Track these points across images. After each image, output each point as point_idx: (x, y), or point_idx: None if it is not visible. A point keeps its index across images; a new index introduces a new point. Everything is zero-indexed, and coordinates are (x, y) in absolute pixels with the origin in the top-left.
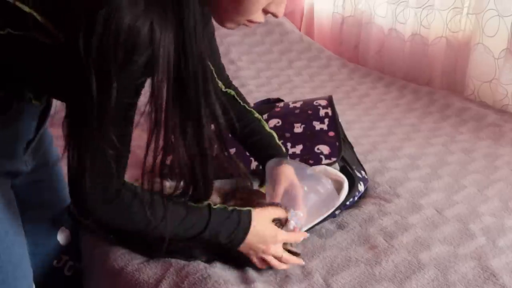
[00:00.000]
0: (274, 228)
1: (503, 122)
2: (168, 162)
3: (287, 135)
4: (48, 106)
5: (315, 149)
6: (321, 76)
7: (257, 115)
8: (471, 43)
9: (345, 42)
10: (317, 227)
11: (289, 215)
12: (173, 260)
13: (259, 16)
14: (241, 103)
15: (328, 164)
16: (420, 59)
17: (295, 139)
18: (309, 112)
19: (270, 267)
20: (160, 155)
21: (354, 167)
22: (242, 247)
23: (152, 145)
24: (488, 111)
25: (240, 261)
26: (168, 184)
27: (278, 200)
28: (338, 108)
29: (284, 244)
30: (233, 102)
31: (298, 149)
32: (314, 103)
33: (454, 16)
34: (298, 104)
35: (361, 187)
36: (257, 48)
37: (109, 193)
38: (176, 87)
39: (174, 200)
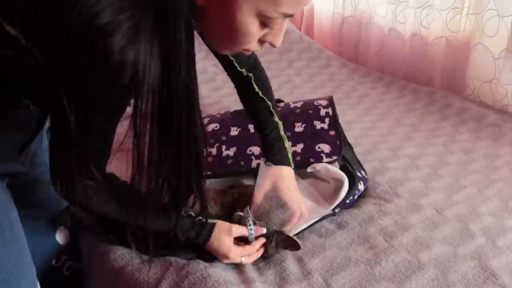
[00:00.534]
0: (228, 247)
1: (503, 122)
2: None
3: (288, 134)
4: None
5: (316, 147)
6: (321, 76)
7: (268, 103)
8: (471, 43)
9: (345, 42)
10: (317, 226)
11: (248, 228)
12: (173, 260)
13: (255, 46)
14: (256, 89)
15: (329, 163)
16: (420, 59)
17: (296, 138)
18: (310, 111)
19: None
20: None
21: (354, 167)
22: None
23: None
24: (488, 111)
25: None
26: None
27: (255, 207)
28: (338, 108)
29: (283, 233)
30: (247, 86)
31: (299, 147)
32: (315, 103)
33: (454, 16)
34: (298, 104)
35: (361, 186)
36: None
37: (91, 178)
38: (160, 118)
39: None
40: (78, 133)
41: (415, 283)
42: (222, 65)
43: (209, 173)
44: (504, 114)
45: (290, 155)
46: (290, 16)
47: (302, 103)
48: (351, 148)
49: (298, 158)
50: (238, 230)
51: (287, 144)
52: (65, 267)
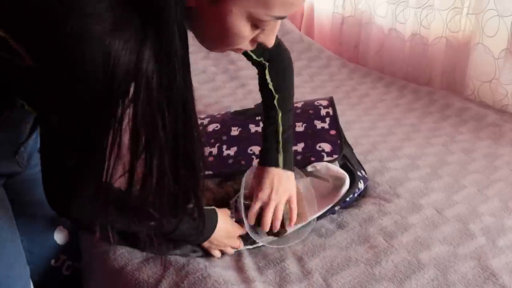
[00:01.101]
0: (233, 224)
1: (503, 122)
2: None
3: None
4: None
5: (317, 146)
6: (321, 76)
7: (274, 95)
8: (471, 43)
9: (345, 42)
10: (317, 226)
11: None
12: (173, 260)
13: (247, 46)
14: (268, 80)
15: (329, 161)
16: (420, 59)
17: (297, 138)
18: (310, 111)
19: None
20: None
21: (355, 166)
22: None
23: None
24: (488, 111)
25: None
26: None
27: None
28: (338, 108)
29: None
30: (261, 74)
31: (299, 147)
32: (315, 103)
33: (454, 16)
34: (299, 104)
35: (361, 185)
36: None
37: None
38: (155, 125)
39: None
40: (62, 136)
41: (415, 283)
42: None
43: (210, 172)
44: (504, 114)
45: (279, 156)
46: (282, 18)
47: (302, 103)
48: (351, 149)
49: (299, 157)
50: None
51: (281, 144)
52: (64, 267)
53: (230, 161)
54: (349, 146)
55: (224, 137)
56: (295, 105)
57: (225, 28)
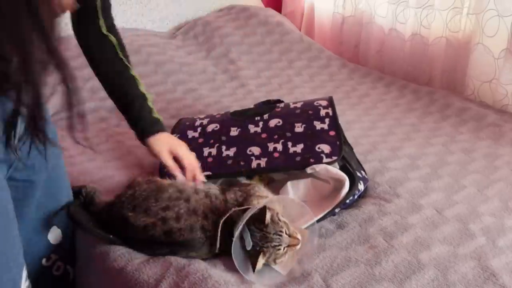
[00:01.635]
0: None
1: (503, 122)
2: None
3: (288, 134)
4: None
5: (316, 148)
6: (321, 76)
7: (133, 73)
8: (471, 43)
9: (346, 42)
10: (316, 226)
11: None
12: (173, 260)
13: None
14: (120, 55)
15: (328, 163)
16: (420, 59)
17: (296, 139)
18: (310, 112)
19: None
20: None
21: (354, 167)
22: None
23: None
24: (488, 111)
25: None
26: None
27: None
28: (338, 108)
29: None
30: (112, 54)
31: (299, 148)
32: (315, 103)
33: (454, 16)
34: (298, 105)
35: (360, 186)
36: (257, 48)
37: None
38: None
39: None
40: None
41: (415, 283)
42: (78, 23)
43: (209, 173)
44: (504, 114)
45: (157, 115)
46: None
47: (302, 103)
48: (351, 149)
49: (298, 158)
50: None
51: (157, 114)
52: (54, 267)
53: (229, 161)
54: (349, 145)
55: (223, 138)
56: (294, 105)
57: None
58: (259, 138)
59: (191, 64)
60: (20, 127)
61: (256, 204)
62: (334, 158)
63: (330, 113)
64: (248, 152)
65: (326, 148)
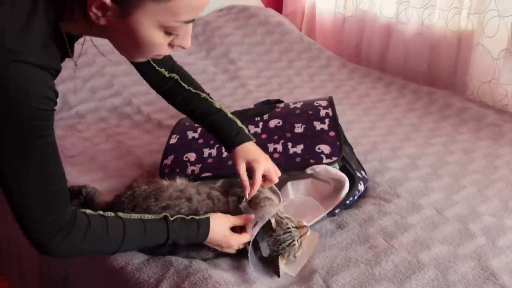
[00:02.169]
0: (228, 236)
1: (503, 122)
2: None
3: (288, 135)
4: None
5: (316, 148)
6: (321, 76)
7: (203, 95)
8: (471, 43)
9: (346, 42)
10: (316, 226)
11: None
12: (173, 260)
13: (166, 50)
14: (186, 86)
15: (328, 163)
16: (421, 59)
17: (296, 139)
18: (310, 112)
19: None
20: None
21: (354, 167)
22: None
23: None
24: (488, 111)
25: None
26: (179, 181)
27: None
28: (338, 108)
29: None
30: (176, 87)
31: (299, 148)
32: (315, 103)
33: (454, 16)
34: (298, 105)
35: (361, 187)
36: (257, 48)
37: (59, 228)
38: None
39: (129, 217)
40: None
41: (415, 283)
42: (142, 74)
43: (209, 174)
44: (504, 114)
45: (247, 131)
46: (191, 21)
47: (302, 103)
48: (351, 149)
49: (298, 159)
50: (234, 220)
51: (240, 123)
52: None
53: (230, 162)
54: (349, 145)
55: None
56: (294, 105)
57: (139, 40)
58: (259, 138)
59: (191, 64)
60: None
61: (262, 206)
62: (334, 158)
63: (330, 114)
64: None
65: (326, 148)
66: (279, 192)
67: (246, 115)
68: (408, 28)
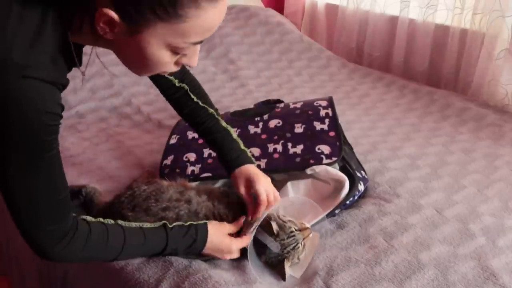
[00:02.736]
0: (228, 241)
1: (503, 122)
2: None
3: (288, 135)
4: None
5: (316, 149)
6: (321, 76)
7: (211, 111)
8: (473, 43)
9: (347, 41)
10: (316, 227)
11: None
12: (173, 260)
13: (171, 68)
14: (194, 99)
15: (328, 164)
16: (422, 59)
17: (296, 139)
18: (310, 112)
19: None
20: None
21: (354, 167)
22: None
23: None
24: (488, 111)
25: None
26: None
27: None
28: (338, 108)
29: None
30: (185, 98)
31: (299, 149)
32: (315, 103)
33: (455, 15)
34: (298, 105)
35: (361, 187)
36: (257, 48)
37: (61, 235)
38: None
39: (129, 225)
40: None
41: (415, 284)
42: (153, 81)
43: (208, 174)
44: (504, 114)
45: (249, 155)
46: (200, 43)
47: (301, 103)
48: (351, 148)
49: (298, 159)
50: (230, 227)
51: (243, 146)
52: None
53: None
54: (349, 145)
55: None
56: (294, 105)
57: (146, 58)
58: (259, 138)
59: None
60: None
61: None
62: (334, 159)
63: (330, 114)
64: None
65: (326, 149)
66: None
67: (246, 115)
68: (409, 28)
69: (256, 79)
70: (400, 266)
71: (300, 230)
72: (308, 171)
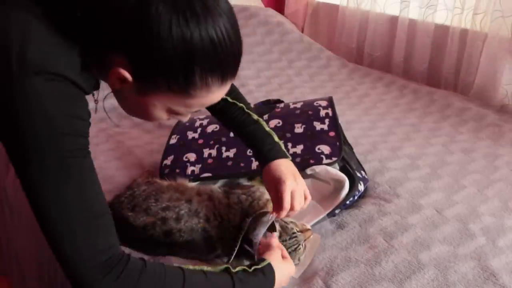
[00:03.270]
0: (287, 267)
1: (503, 122)
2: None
3: (288, 135)
4: None
5: (316, 149)
6: (321, 76)
7: (240, 105)
8: (473, 43)
9: (347, 41)
10: (316, 226)
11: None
12: (174, 260)
13: (163, 118)
14: (245, 108)
15: (328, 164)
16: (422, 59)
17: (296, 139)
18: (310, 112)
19: None
20: None
21: (354, 167)
22: None
23: None
24: (488, 111)
25: None
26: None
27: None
28: (338, 108)
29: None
30: (232, 109)
31: (299, 149)
32: (315, 103)
33: (455, 15)
34: (298, 105)
35: (361, 187)
36: (257, 48)
37: (107, 270)
38: None
39: (190, 268)
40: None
41: (415, 284)
42: None
43: (208, 174)
44: (504, 114)
45: (283, 147)
46: (198, 111)
47: (302, 103)
48: (351, 148)
49: (298, 159)
50: (282, 252)
51: (277, 138)
52: None
53: (229, 163)
54: (349, 145)
55: (223, 139)
56: (294, 105)
57: (146, 113)
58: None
59: None
60: None
61: (264, 208)
62: (334, 159)
63: (330, 114)
64: (248, 153)
65: (326, 149)
66: None
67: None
68: (409, 28)
69: (256, 79)
70: (400, 266)
71: (301, 231)
72: (308, 171)
